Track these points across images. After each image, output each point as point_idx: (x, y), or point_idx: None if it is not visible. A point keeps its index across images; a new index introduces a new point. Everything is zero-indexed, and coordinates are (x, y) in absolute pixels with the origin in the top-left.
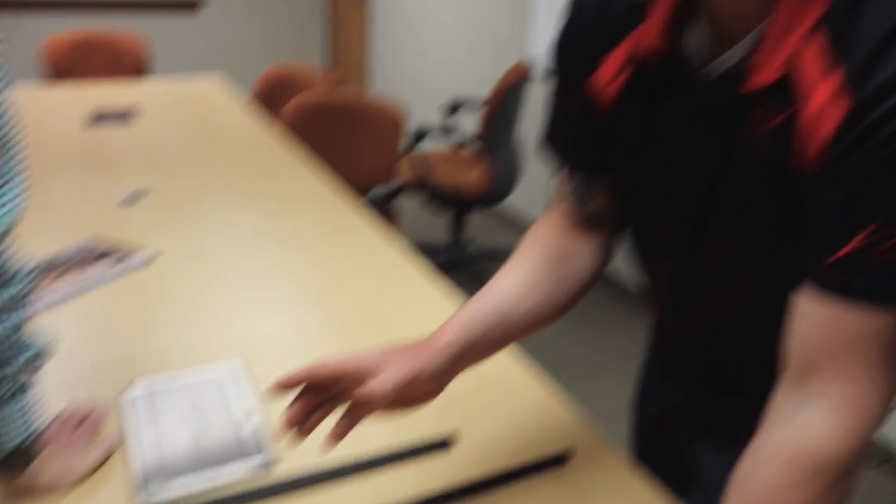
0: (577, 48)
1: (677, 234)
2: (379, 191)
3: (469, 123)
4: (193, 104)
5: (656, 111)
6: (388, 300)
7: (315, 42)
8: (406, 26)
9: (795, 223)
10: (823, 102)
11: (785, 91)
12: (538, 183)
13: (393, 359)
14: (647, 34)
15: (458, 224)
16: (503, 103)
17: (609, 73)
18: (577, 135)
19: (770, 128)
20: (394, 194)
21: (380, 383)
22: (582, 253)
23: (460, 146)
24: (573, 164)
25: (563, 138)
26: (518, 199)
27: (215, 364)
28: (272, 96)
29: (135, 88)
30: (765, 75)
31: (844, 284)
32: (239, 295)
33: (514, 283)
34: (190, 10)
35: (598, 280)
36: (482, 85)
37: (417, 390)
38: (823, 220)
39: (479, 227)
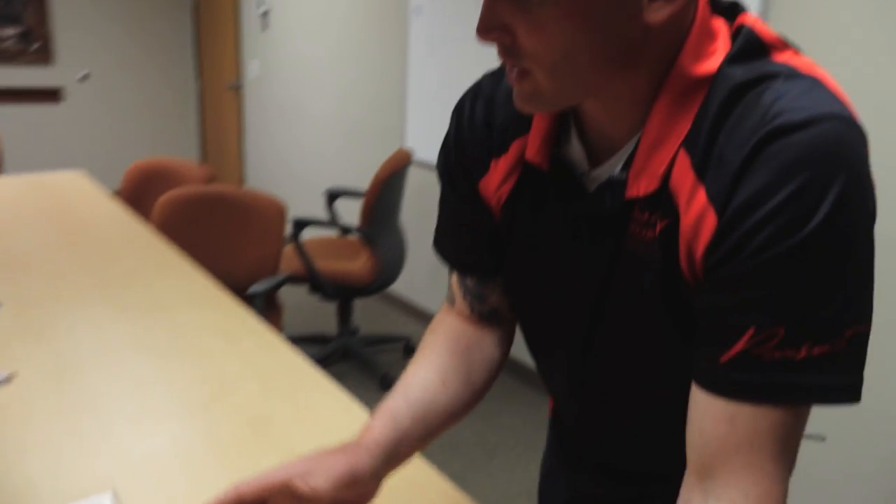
0: (464, 154)
1: (569, 332)
2: (262, 285)
3: (352, 211)
4: (53, 202)
5: (545, 214)
6: (278, 407)
7: (186, 134)
8: (281, 116)
9: (687, 322)
10: (697, 216)
11: (666, 199)
12: (423, 267)
13: (324, 461)
14: (531, 144)
15: (344, 312)
16: (384, 190)
17: (498, 177)
18: (467, 241)
19: (656, 233)
20: (278, 287)
21: (320, 482)
22: (487, 342)
23: (344, 234)
24: (464, 268)
25: (452, 244)
26: (404, 283)
27: (81, 502)
28: (141, 191)
29: None
30: (644, 185)
31: (738, 383)
32: (110, 415)
33: (430, 377)
34: (51, 100)
35: (504, 365)
36: (362, 172)
37: (354, 491)
38: (709, 322)
39: (366, 313)
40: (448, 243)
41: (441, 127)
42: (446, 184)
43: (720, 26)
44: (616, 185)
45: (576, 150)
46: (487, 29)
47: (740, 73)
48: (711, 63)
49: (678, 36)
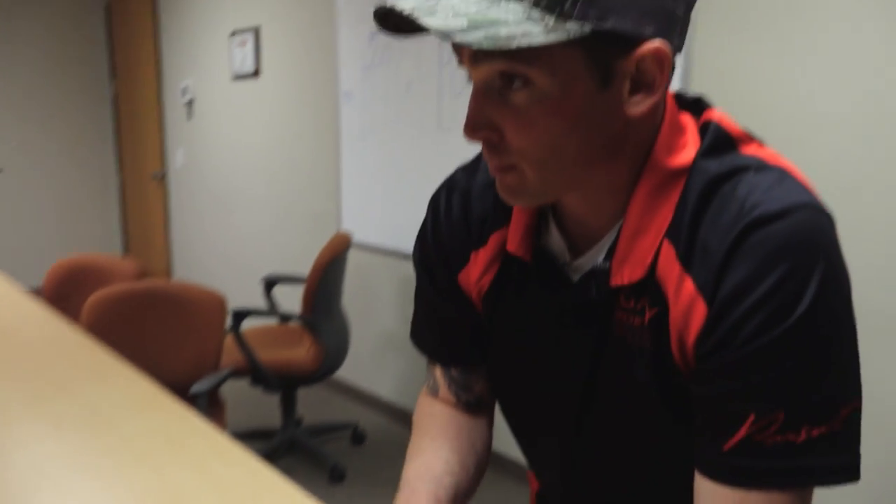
0: (442, 247)
1: (559, 417)
2: (205, 383)
3: (291, 295)
4: None
5: (529, 304)
6: None
7: (108, 227)
8: (211, 204)
9: (679, 405)
10: (686, 305)
11: (654, 288)
12: (366, 350)
13: None
14: (512, 236)
15: (288, 403)
16: (325, 276)
17: (479, 269)
18: (448, 333)
19: (645, 320)
20: (220, 384)
21: None
22: (480, 426)
23: (284, 322)
24: (446, 360)
25: (432, 336)
26: (347, 368)
27: None
28: (67, 291)
29: None
30: (628, 273)
31: (743, 470)
32: None
33: (450, 460)
34: None
35: (490, 447)
36: (299, 257)
37: None
38: (708, 410)
39: (309, 401)
40: (428, 336)
41: (376, 209)
42: (424, 277)
43: (687, 120)
44: (600, 274)
45: (556, 241)
46: (475, 128)
47: (714, 166)
48: (684, 156)
49: (652, 128)
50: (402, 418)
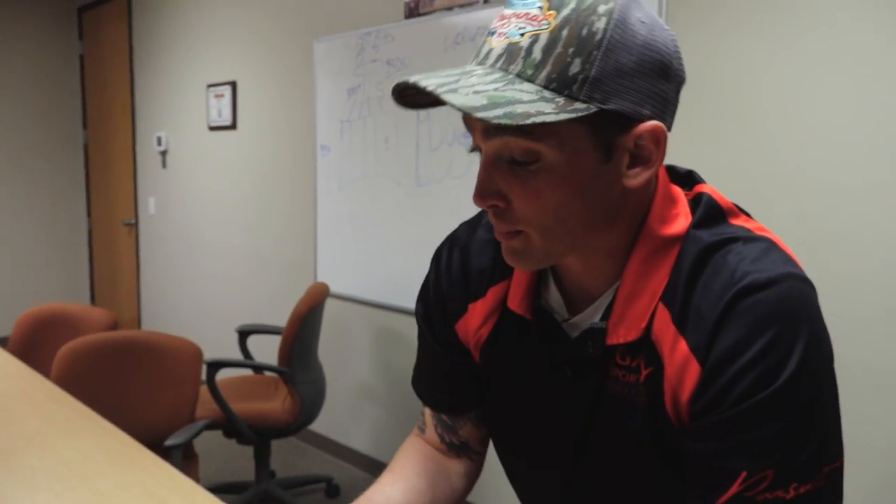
0: (442, 299)
1: (553, 467)
2: (181, 435)
3: (266, 345)
4: None
5: (526, 356)
6: None
7: (75, 275)
8: (184, 253)
9: (673, 459)
10: (680, 365)
11: (649, 349)
12: (342, 402)
13: None
14: (514, 294)
15: (262, 455)
16: (302, 327)
17: (477, 320)
18: (443, 382)
19: (640, 378)
20: (195, 435)
21: None
22: (454, 472)
23: (259, 373)
24: (439, 406)
25: (428, 383)
26: (322, 420)
27: None
28: (35, 342)
29: None
30: (623, 334)
31: None
32: None
33: (402, 494)
34: None
35: (465, 497)
36: (274, 307)
37: None
38: (701, 467)
39: (282, 453)
40: (424, 382)
41: (352, 259)
42: (425, 327)
43: (678, 193)
44: (597, 333)
45: (555, 298)
46: (484, 196)
47: (706, 236)
48: (677, 225)
49: (647, 197)
50: (378, 470)
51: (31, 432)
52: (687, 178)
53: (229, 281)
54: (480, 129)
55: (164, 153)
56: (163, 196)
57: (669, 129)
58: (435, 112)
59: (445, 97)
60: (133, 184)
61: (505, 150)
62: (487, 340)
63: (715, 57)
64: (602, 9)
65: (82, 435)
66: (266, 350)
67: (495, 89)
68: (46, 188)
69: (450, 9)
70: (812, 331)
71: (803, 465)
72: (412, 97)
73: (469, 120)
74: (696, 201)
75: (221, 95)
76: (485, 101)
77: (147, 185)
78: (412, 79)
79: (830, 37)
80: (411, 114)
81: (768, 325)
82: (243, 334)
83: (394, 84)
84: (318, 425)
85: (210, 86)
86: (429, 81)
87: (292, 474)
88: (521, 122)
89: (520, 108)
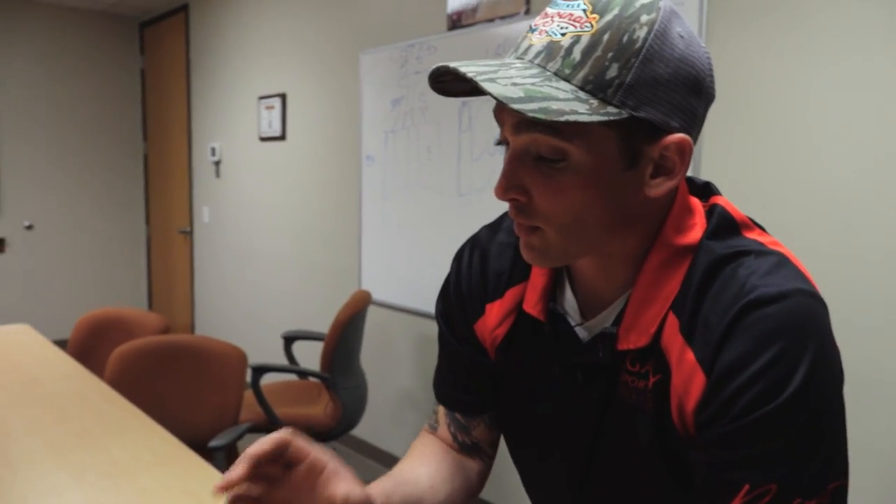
0: (461, 299)
1: (565, 469)
2: (224, 437)
3: (311, 351)
4: None
5: (539, 358)
6: None
7: (134, 281)
8: (234, 260)
9: (678, 467)
10: (687, 375)
11: (658, 356)
12: (384, 408)
13: (345, 472)
14: (529, 297)
15: None
16: (345, 333)
17: (494, 321)
18: (461, 381)
19: (649, 385)
20: (238, 438)
21: (353, 487)
22: (468, 468)
23: (303, 378)
24: (454, 405)
25: (446, 382)
26: (364, 426)
27: None
28: (93, 344)
29: None
30: (634, 340)
31: None
32: None
33: (421, 477)
34: None
35: (479, 492)
36: (319, 314)
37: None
38: (705, 478)
39: None
40: (441, 380)
41: (395, 268)
42: (444, 325)
43: (696, 203)
44: (608, 338)
45: (570, 302)
46: (507, 189)
47: (719, 248)
48: (692, 235)
49: (665, 207)
50: None
51: (83, 430)
52: (704, 190)
53: (277, 288)
54: (511, 123)
55: (217, 163)
56: (216, 205)
57: (695, 143)
58: (476, 122)
59: (484, 85)
60: (188, 193)
61: (533, 145)
62: (503, 341)
63: (755, 67)
64: (645, 18)
65: (130, 434)
66: (311, 356)
67: (532, 84)
68: (109, 197)
69: (491, 20)
70: (819, 347)
71: (808, 481)
72: (448, 83)
73: (500, 113)
74: (710, 213)
75: (272, 107)
76: (521, 94)
77: (201, 194)
78: (452, 64)
79: (871, 51)
80: (453, 124)
81: (775, 340)
82: (288, 340)
83: (432, 68)
84: (361, 431)
85: (261, 98)
86: (469, 69)
87: None
88: (555, 119)
89: (555, 105)
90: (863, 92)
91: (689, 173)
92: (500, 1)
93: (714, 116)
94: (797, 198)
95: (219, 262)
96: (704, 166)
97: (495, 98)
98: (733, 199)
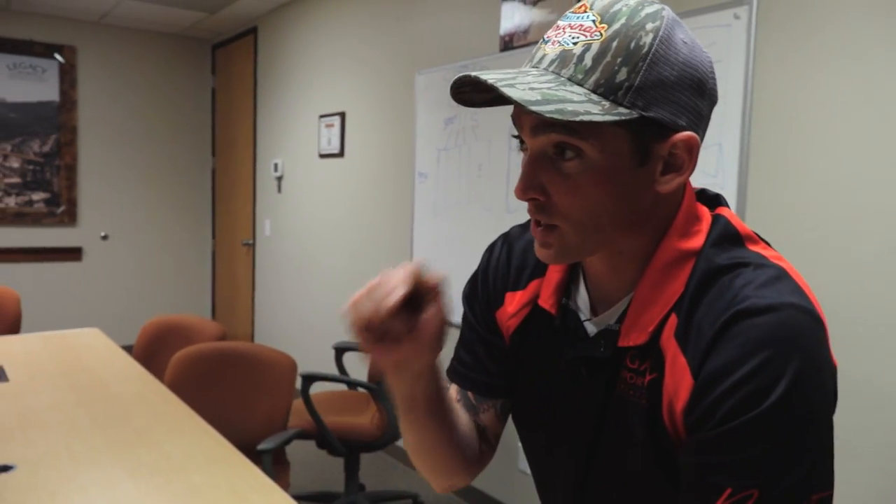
0: (486, 287)
1: (568, 466)
2: (272, 441)
3: (361, 365)
4: (68, 360)
5: (548, 350)
6: None
7: (199, 290)
8: (292, 273)
9: (671, 467)
10: (677, 376)
11: (656, 355)
12: None
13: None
14: (544, 291)
15: (351, 468)
16: None
17: (512, 309)
18: (476, 359)
19: (645, 382)
20: (286, 443)
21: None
22: (477, 440)
23: (352, 388)
24: (466, 383)
25: (461, 361)
26: None
27: None
28: (155, 348)
29: (6, 345)
30: (633, 338)
31: None
32: None
33: (458, 416)
34: (73, 258)
35: (474, 476)
36: None
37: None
38: (690, 480)
39: (371, 468)
40: (458, 361)
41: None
42: (467, 308)
43: (704, 212)
44: (610, 335)
45: (583, 298)
46: (526, 189)
47: (719, 257)
48: (695, 242)
49: (673, 207)
50: (464, 492)
51: (142, 429)
52: (714, 201)
53: (331, 299)
54: (529, 126)
55: (279, 179)
56: (277, 219)
57: (701, 141)
58: None
59: (504, 90)
60: (252, 206)
61: (549, 147)
62: (517, 330)
63: (801, 92)
64: (650, 26)
65: (184, 434)
66: (361, 367)
67: (548, 88)
68: (179, 210)
69: None
70: (806, 360)
71: (790, 489)
72: (467, 94)
73: (519, 118)
74: (715, 222)
75: (332, 125)
76: (539, 97)
77: (264, 208)
78: (473, 73)
79: None
80: (503, 142)
81: (761, 349)
82: (339, 351)
83: (454, 79)
84: None
85: (322, 116)
86: (489, 76)
87: (381, 488)
88: (571, 119)
89: (570, 107)
90: None
91: (735, 195)
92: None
93: (761, 134)
94: (847, 215)
95: (278, 273)
96: (751, 187)
97: (515, 101)
98: (780, 217)
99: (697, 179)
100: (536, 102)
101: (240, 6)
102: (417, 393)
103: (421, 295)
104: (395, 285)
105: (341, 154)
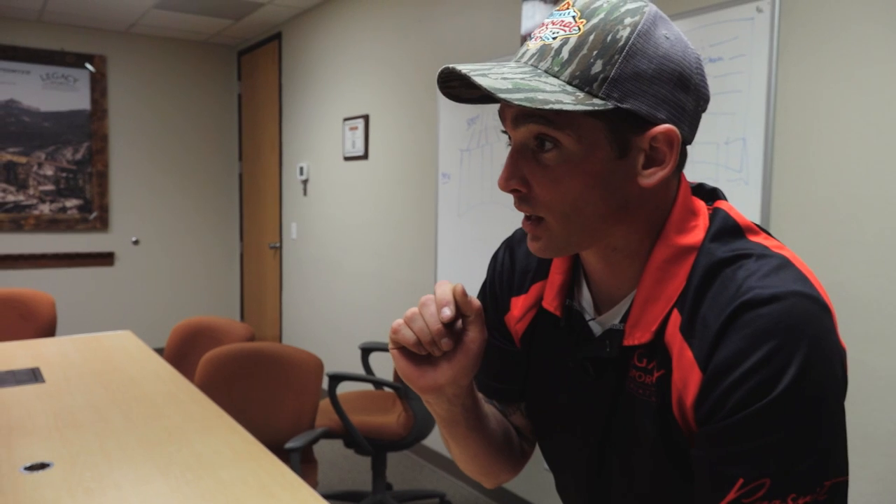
0: (494, 292)
1: (580, 457)
2: (299, 440)
3: (387, 363)
4: (102, 362)
5: (556, 351)
6: None
7: (228, 293)
8: (318, 274)
9: (683, 462)
10: (685, 371)
11: (662, 352)
12: None
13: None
14: (548, 293)
15: (378, 467)
16: None
17: (518, 313)
18: (494, 369)
19: (653, 379)
20: (313, 442)
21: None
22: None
23: (378, 388)
24: (489, 391)
25: (481, 373)
26: (436, 436)
27: None
28: (186, 350)
29: (42, 348)
30: (638, 336)
31: None
32: None
33: (494, 415)
34: (105, 263)
35: (519, 470)
36: None
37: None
38: (702, 472)
39: (399, 467)
40: (480, 371)
41: (468, 281)
42: None
43: (701, 206)
44: (615, 334)
45: (586, 299)
46: (508, 179)
47: (719, 250)
48: (694, 236)
49: (666, 203)
50: (491, 491)
51: (172, 427)
52: (711, 195)
53: (356, 300)
54: (510, 117)
55: (305, 182)
56: (303, 221)
57: (688, 137)
58: None
59: (476, 79)
60: (279, 210)
61: (530, 139)
62: (525, 334)
63: (826, 85)
64: (629, 21)
65: (214, 432)
66: (387, 367)
67: (521, 78)
68: (207, 214)
69: None
70: (814, 347)
71: (802, 476)
72: (455, 89)
73: (503, 112)
74: (713, 216)
75: (356, 128)
76: (510, 86)
77: (290, 211)
78: (451, 65)
79: None
80: None
81: (767, 339)
82: (366, 351)
83: (439, 71)
84: (435, 442)
85: (346, 119)
86: (464, 67)
87: (408, 487)
88: (540, 107)
89: (541, 96)
90: None
91: (760, 189)
92: None
93: (785, 128)
94: (875, 209)
95: (304, 275)
96: (776, 181)
97: (485, 89)
98: (806, 211)
99: (721, 175)
100: (507, 91)
101: (264, 13)
102: (457, 411)
103: (463, 316)
104: (442, 306)
105: (365, 156)
